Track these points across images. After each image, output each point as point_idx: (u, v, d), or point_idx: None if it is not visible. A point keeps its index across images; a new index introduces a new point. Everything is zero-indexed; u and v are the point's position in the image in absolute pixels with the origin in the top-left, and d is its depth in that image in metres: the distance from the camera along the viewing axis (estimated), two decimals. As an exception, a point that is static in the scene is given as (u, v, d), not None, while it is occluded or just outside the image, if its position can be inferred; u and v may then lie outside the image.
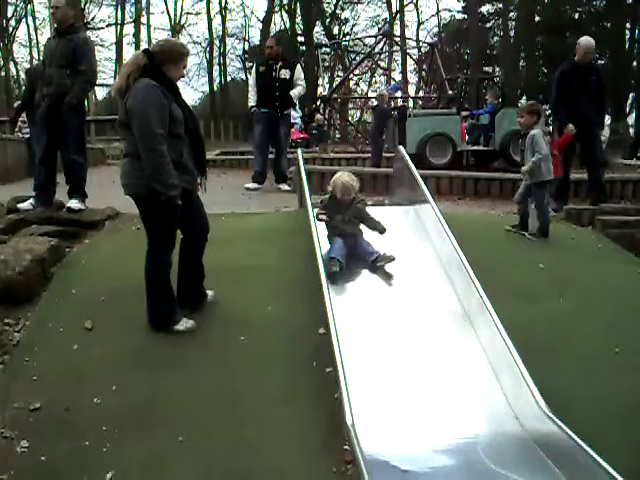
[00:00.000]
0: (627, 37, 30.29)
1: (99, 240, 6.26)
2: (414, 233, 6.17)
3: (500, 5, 34.14)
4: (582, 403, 4.00)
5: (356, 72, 31.43)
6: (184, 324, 4.63)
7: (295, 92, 9.81)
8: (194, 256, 4.82)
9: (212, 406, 3.94)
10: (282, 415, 3.86)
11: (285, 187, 9.81)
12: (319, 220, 5.59)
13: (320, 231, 5.50)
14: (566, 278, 5.66)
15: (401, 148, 7.77)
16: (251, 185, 9.89)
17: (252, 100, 9.84)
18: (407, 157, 7.35)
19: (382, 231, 5.64)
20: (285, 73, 9.69)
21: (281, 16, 39.60)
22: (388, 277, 5.34)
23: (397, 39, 24.19)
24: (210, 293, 4.99)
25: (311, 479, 3.36)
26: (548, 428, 3.56)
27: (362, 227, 5.68)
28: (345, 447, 3.49)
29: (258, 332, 4.63)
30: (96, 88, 34.32)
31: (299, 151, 8.05)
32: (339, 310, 4.48)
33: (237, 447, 3.61)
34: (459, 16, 37.98)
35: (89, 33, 37.13)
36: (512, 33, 33.11)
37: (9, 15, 35.62)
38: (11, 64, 37.01)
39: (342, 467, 3.43)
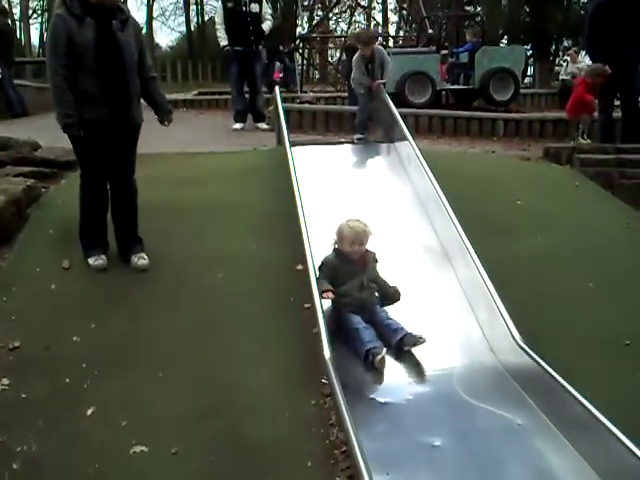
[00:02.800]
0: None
1: (75, 180, 6.15)
2: (393, 170, 6.17)
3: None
4: (556, 337, 4.07)
5: (335, 11, 30.84)
6: (93, 261, 4.62)
7: (266, 27, 9.64)
8: (117, 200, 4.74)
9: (191, 343, 3.97)
10: (261, 350, 3.89)
11: (264, 126, 9.74)
12: (324, 298, 3.97)
13: (299, 171, 5.43)
14: (543, 215, 5.70)
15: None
16: (237, 126, 9.84)
17: (223, 39, 9.60)
18: (386, 96, 7.30)
19: (396, 298, 4.24)
20: (255, 7, 9.49)
21: (260, -49, 38.50)
22: (366, 214, 5.31)
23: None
24: (144, 262, 4.71)
25: (290, 412, 3.40)
26: (522, 360, 3.62)
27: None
28: (323, 380, 3.54)
29: (236, 269, 4.64)
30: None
31: (277, 89, 7.96)
32: (316, 247, 4.49)
33: (216, 382, 3.64)
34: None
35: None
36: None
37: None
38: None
39: (321, 400, 3.48)
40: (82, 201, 4.69)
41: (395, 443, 3.21)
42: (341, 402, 3.13)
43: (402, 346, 3.86)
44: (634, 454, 2.67)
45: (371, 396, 3.51)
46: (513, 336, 3.74)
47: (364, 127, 7.40)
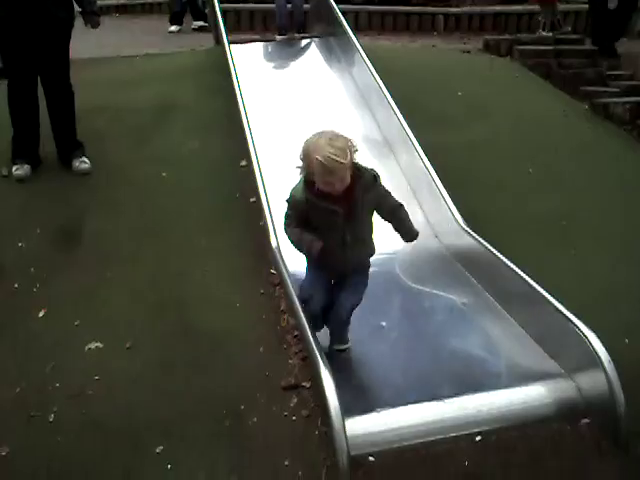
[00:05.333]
0: None
1: (5, 88, 5.98)
2: (333, 65, 6.12)
3: None
4: (495, 219, 4.19)
5: None
6: (14, 169, 4.55)
7: None
8: (52, 104, 4.62)
9: (139, 241, 3.98)
10: (209, 245, 3.93)
11: (201, 23, 9.52)
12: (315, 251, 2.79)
13: (238, 69, 5.34)
14: (483, 105, 5.76)
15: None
16: (174, 28, 9.59)
17: None
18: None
19: (412, 236, 2.97)
20: None
21: None
22: (307, 107, 5.32)
23: None
24: (86, 165, 4.65)
25: (240, 302, 3.47)
26: (465, 242, 3.74)
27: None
28: (272, 271, 3.60)
29: (179, 168, 4.63)
30: None
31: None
32: (259, 143, 4.48)
33: (166, 278, 3.68)
34: None
35: None
36: None
37: None
38: None
39: (270, 289, 3.55)
40: (9, 107, 4.56)
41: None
42: (290, 289, 3.20)
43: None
44: (569, 320, 2.80)
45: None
46: (456, 220, 3.84)
47: (283, 27, 7.22)
